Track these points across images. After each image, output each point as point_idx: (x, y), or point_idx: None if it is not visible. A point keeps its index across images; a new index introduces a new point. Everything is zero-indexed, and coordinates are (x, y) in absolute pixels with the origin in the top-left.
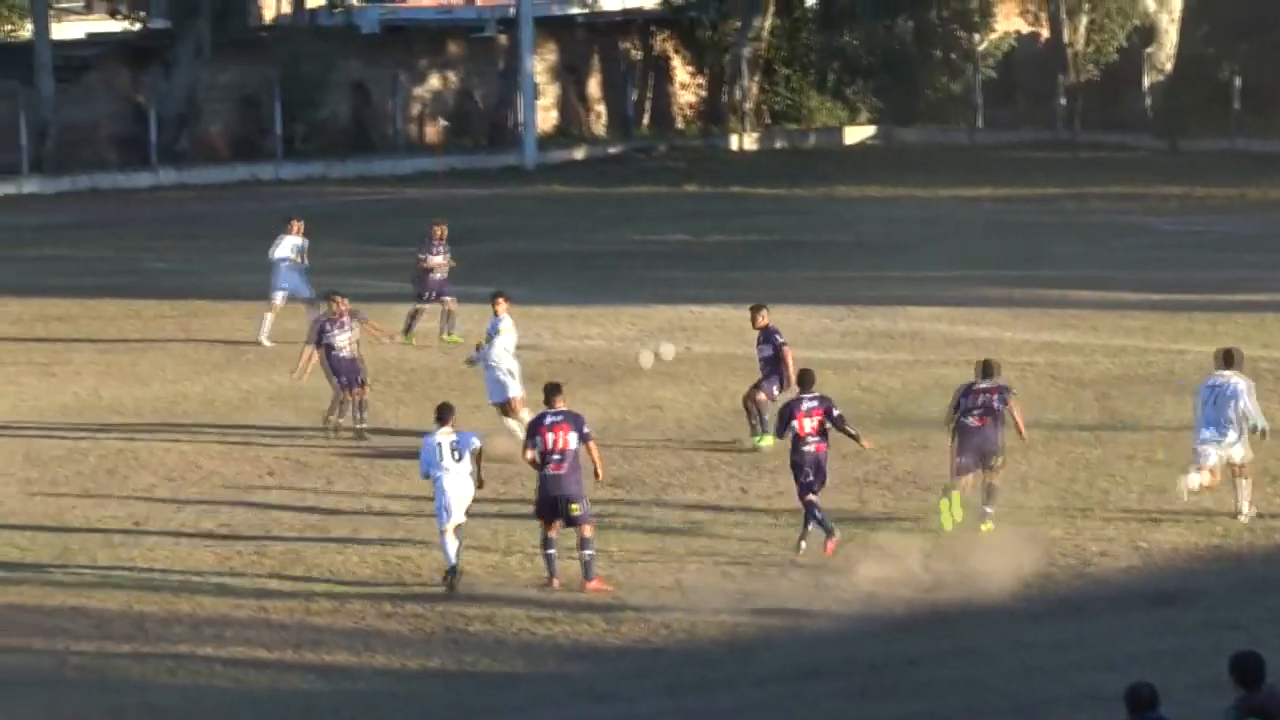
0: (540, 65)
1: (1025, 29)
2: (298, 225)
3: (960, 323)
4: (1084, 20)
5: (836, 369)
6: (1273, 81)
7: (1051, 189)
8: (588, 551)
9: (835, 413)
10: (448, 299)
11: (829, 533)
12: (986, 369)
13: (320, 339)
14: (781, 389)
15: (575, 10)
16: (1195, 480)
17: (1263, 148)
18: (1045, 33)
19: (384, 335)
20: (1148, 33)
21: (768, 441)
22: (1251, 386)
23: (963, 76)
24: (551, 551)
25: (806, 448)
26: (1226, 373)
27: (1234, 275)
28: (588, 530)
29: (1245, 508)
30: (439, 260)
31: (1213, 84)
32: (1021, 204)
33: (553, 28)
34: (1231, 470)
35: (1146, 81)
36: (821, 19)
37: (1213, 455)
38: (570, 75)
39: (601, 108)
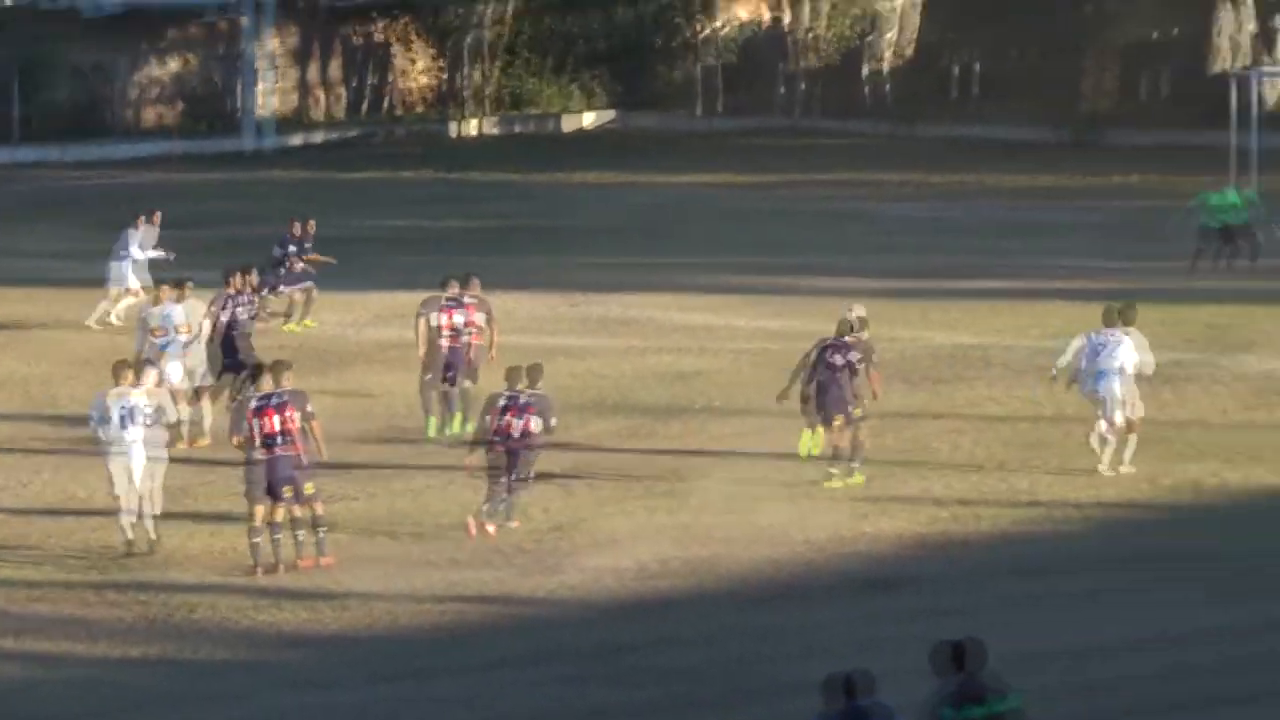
0: (279, 48)
1: (758, 15)
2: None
3: (691, 310)
4: (823, 6)
5: (568, 355)
6: (1005, 68)
7: (785, 175)
8: (321, 530)
9: (553, 422)
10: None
11: (508, 516)
12: (848, 327)
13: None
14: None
15: None
16: (1110, 435)
17: (994, 134)
18: (785, 18)
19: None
20: (880, 19)
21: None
22: (1143, 341)
23: (698, 63)
24: (258, 540)
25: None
26: (1118, 329)
27: (966, 261)
28: (319, 508)
29: (1127, 464)
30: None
31: (943, 71)
32: (755, 190)
33: (292, 11)
34: (1126, 424)
35: (882, 68)
36: (559, 4)
37: (1113, 409)
38: (308, 59)
39: (341, 91)
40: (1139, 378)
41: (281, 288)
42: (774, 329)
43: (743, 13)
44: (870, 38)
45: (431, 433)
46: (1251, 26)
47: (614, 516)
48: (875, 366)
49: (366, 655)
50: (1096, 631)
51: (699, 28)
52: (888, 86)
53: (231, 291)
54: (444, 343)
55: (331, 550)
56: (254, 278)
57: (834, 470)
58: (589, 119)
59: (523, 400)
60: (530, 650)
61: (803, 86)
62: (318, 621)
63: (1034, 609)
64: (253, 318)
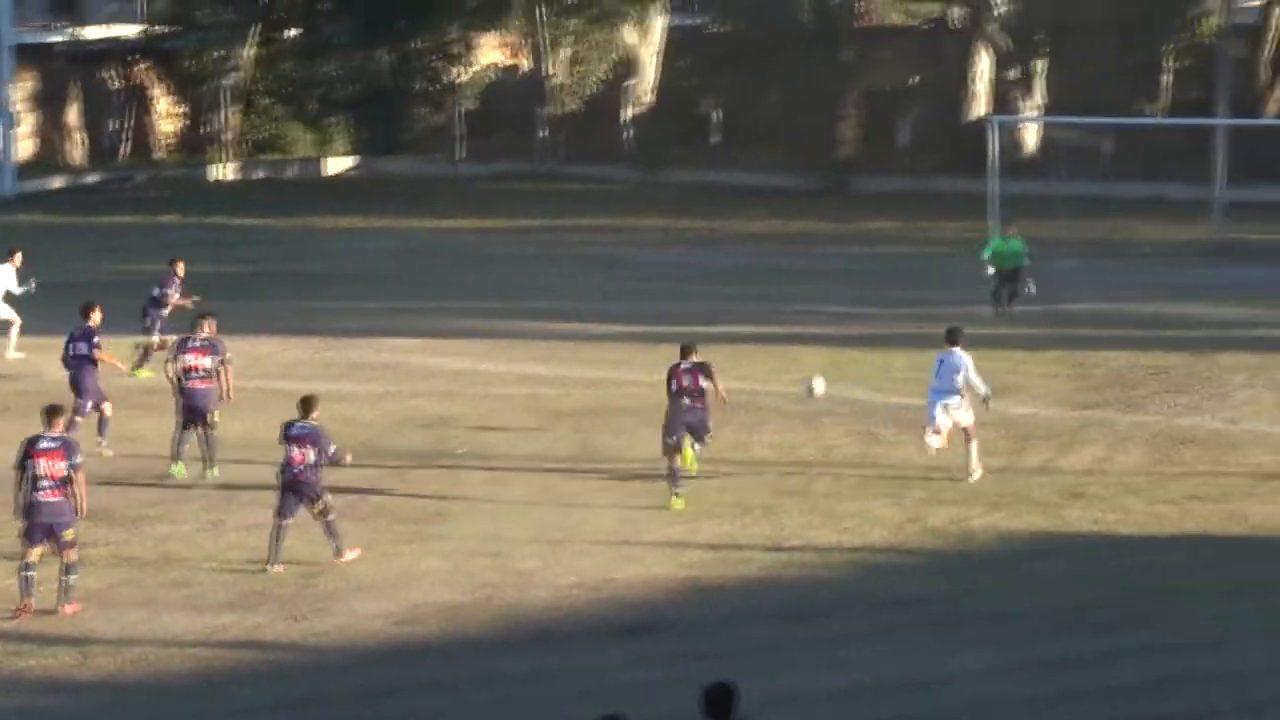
0: (19, 94)
1: (507, 61)
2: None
3: (439, 354)
4: (566, 52)
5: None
6: (750, 115)
7: (532, 221)
8: (73, 576)
9: (332, 449)
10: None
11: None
12: (685, 350)
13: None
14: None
15: (55, 38)
16: (934, 440)
17: (745, 180)
18: (527, 65)
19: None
20: (629, 65)
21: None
22: (971, 362)
23: (443, 108)
24: (31, 574)
25: (292, 470)
26: (954, 348)
27: (712, 307)
28: (73, 555)
29: (975, 468)
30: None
31: (692, 117)
32: (502, 235)
33: (32, 56)
34: (964, 434)
35: (627, 114)
36: (303, 49)
37: (940, 417)
38: (50, 104)
39: (82, 136)
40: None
41: (155, 333)
42: (526, 374)
43: (499, 57)
44: (629, 83)
45: (176, 475)
46: (1014, 73)
47: (376, 560)
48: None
49: (125, 701)
50: (851, 675)
51: (456, 72)
52: (629, 133)
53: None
54: (188, 384)
55: (80, 597)
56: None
57: (679, 491)
58: (339, 164)
59: (294, 431)
60: (290, 695)
61: (544, 133)
62: (81, 667)
63: (792, 653)
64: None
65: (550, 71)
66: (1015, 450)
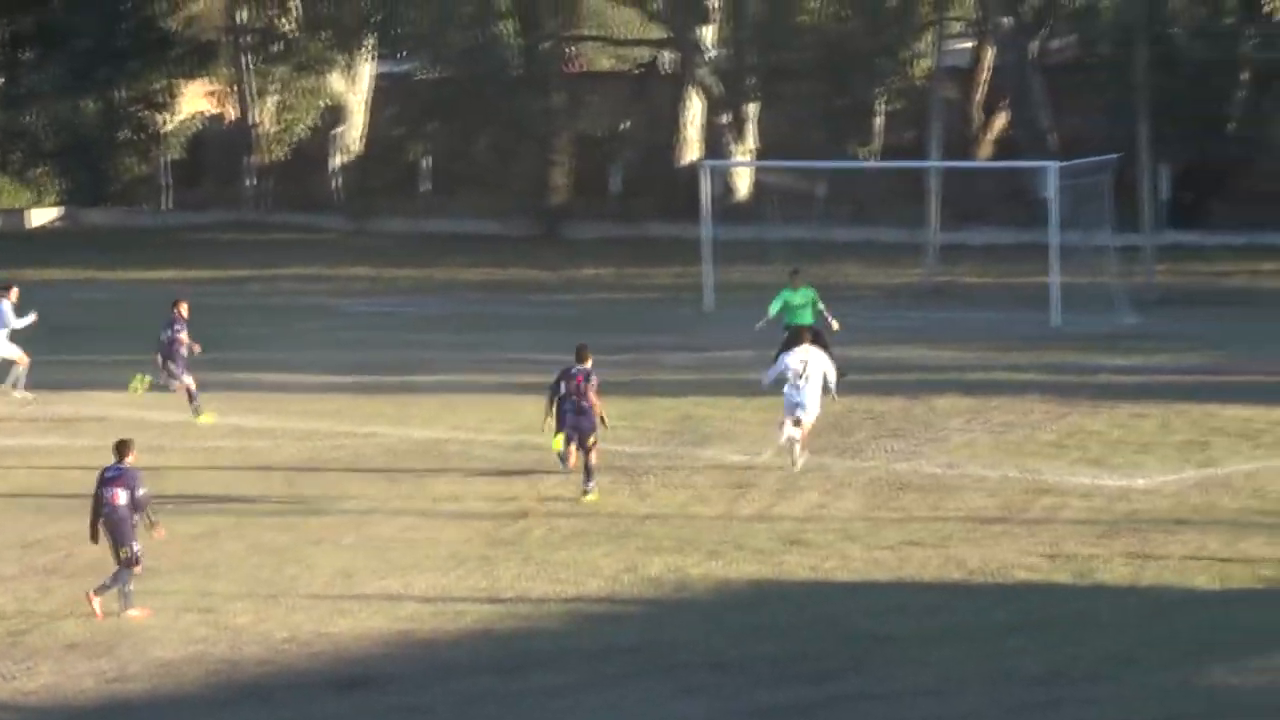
0: None
1: (213, 109)
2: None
3: (148, 407)
4: (272, 100)
5: (21, 455)
6: (460, 162)
7: (240, 270)
8: None
9: (140, 492)
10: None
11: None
12: (579, 352)
13: None
14: None
15: None
16: (794, 431)
17: (449, 228)
18: (233, 113)
19: None
20: (336, 113)
21: None
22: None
23: (149, 157)
24: None
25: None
26: (813, 345)
27: (423, 356)
28: None
29: (799, 459)
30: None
31: (402, 164)
32: (210, 285)
33: None
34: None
35: (335, 162)
36: (6, 99)
37: (794, 410)
38: None
39: None
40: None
41: (183, 376)
42: (237, 426)
43: (205, 106)
44: (338, 130)
45: None
46: (726, 117)
47: (86, 617)
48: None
49: None
50: None
51: (161, 121)
52: (338, 182)
53: None
54: None
55: None
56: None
57: (589, 485)
58: (44, 215)
59: (108, 473)
60: None
61: (251, 182)
62: None
63: (508, 705)
64: None
65: (257, 120)
66: (732, 498)
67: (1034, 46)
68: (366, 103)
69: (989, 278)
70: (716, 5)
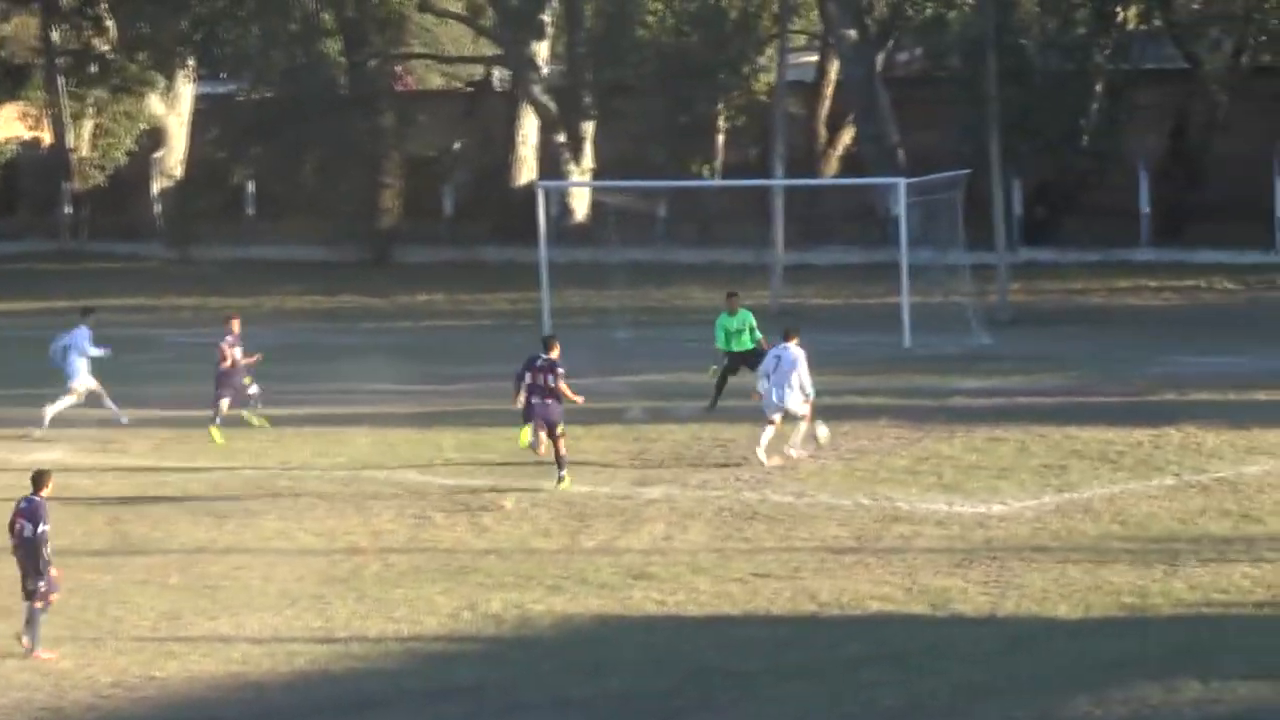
0: None
1: (28, 134)
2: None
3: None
4: (89, 124)
5: None
6: (286, 186)
7: (58, 301)
8: None
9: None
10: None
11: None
12: (547, 343)
13: None
14: None
15: None
16: (770, 430)
17: (275, 254)
18: (49, 138)
19: None
20: (156, 136)
21: None
22: (804, 356)
23: None
24: None
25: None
26: (788, 344)
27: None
28: None
29: (795, 448)
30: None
31: (225, 189)
32: (26, 318)
33: None
34: (795, 419)
35: (156, 187)
36: None
37: (773, 407)
38: None
39: None
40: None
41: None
42: (57, 462)
43: (20, 130)
44: (158, 155)
45: None
46: (562, 136)
47: None
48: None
49: None
50: None
51: None
52: (159, 208)
53: None
54: None
55: None
56: None
57: (560, 473)
58: None
59: (21, 505)
60: None
61: (68, 209)
62: None
63: None
64: None
65: (74, 144)
66: (574, 530)
67: (880, 59)
68: (187, 125)
69: (837, 299)
70: (550, 20)
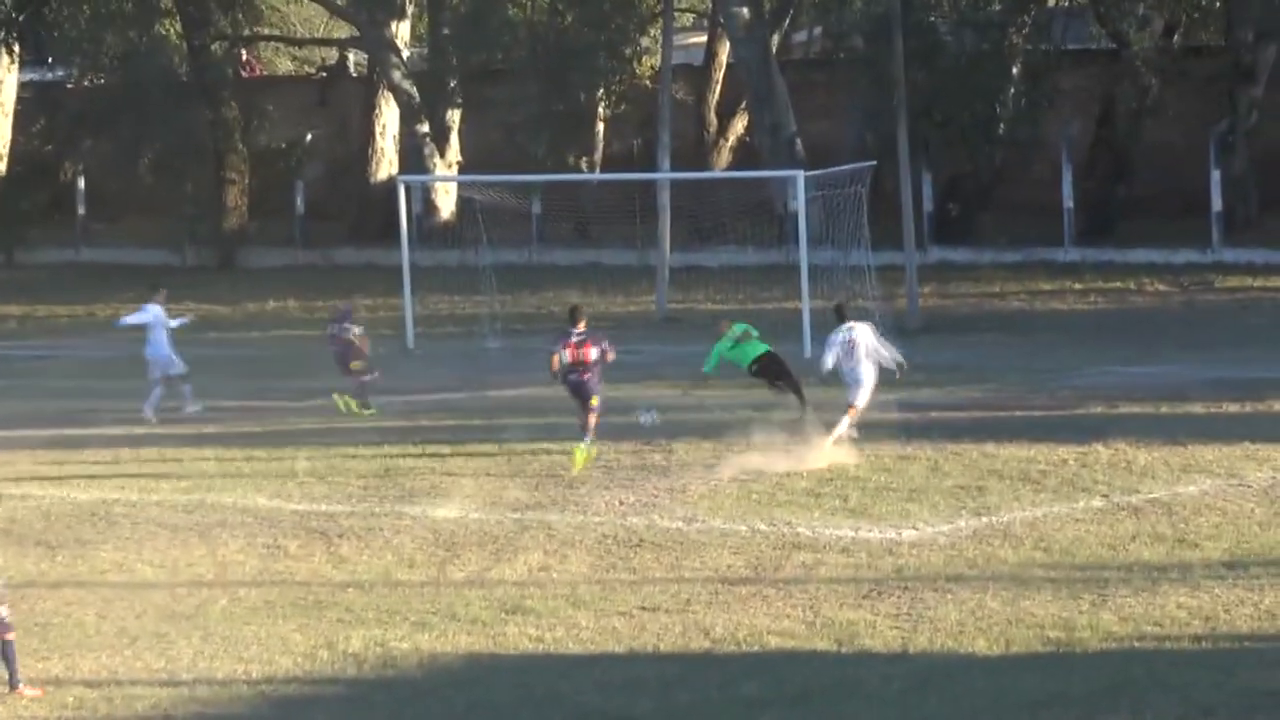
0: None
1: None
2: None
3: None
4: None
5: None
6: (118, 184)
7: None
8: None
9: None
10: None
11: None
12: (573, 314)
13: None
14: None
15: None
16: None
17: (110, 258)
18: None
19: None
20: None
21: None
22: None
23: None
24: None
25: None
26: (852, 324)
27: (85, 405)
28: None
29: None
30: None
31: (53, 186)
32: None
33: None
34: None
35: None
36: None
37: (863, 392)
38: None
39: None
40: None
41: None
42: None
43: None
44: None
45: None
46: (425, 126)
47: None
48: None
49: None
50: None
51: None
52: None
53: None
54: None
55: None
56: None
57: (586, 439)
58: None
59: None
60: None
61: None
62: None
63: None
64: None
65: None
66: (442, 560)
67: (776, 40)
68: (10, 116)
69: (731, 304)
70: None
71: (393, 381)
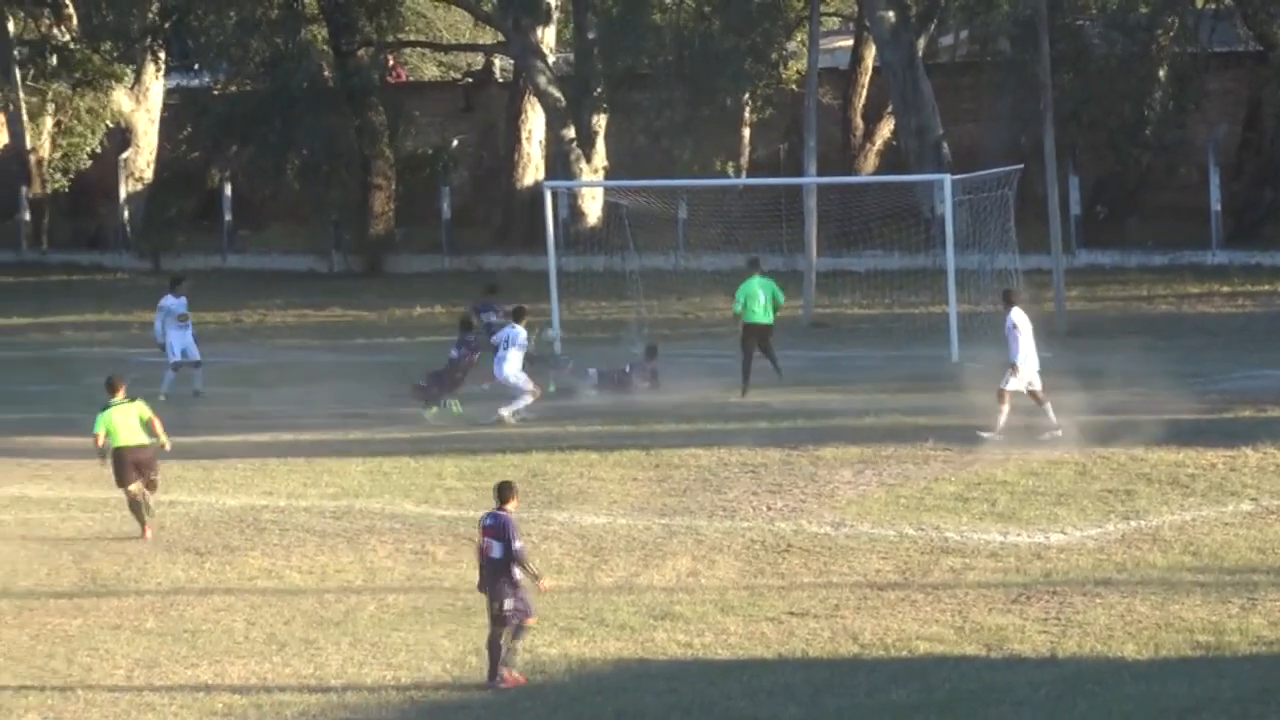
0: None
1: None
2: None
3: None
4: (49, 121)
5: None
6: (265, 191)
7: (18, 318)
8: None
9: None
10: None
11: None
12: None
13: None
14: None
15: None
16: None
17: (257, 264)
18: (4, 138)
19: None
20: (124, 135)
21: None
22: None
23: None
24: None
25: None
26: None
27: (231, 411)
28: None
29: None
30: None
31: (200, 193)
32: None
33: None
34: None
35: (124, 191)
36: None
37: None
38: None
39: None
40: None
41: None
42: (18, 496)
43: None
44: (126, 155)
45: None
46: (571, 131)
47: None
48: None
49: None
50: None
51: None
52: (127, 214)
53: None
54: None
55: None
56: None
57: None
58: None
59: (486, 521)
60: None
61: (26, 216)
62: None
63: None
64: None
65: (33, 145)
66: (590, 566)
67: (922, 44)
68: (158, 123)
69: (877, 308)
70: (557, 3)
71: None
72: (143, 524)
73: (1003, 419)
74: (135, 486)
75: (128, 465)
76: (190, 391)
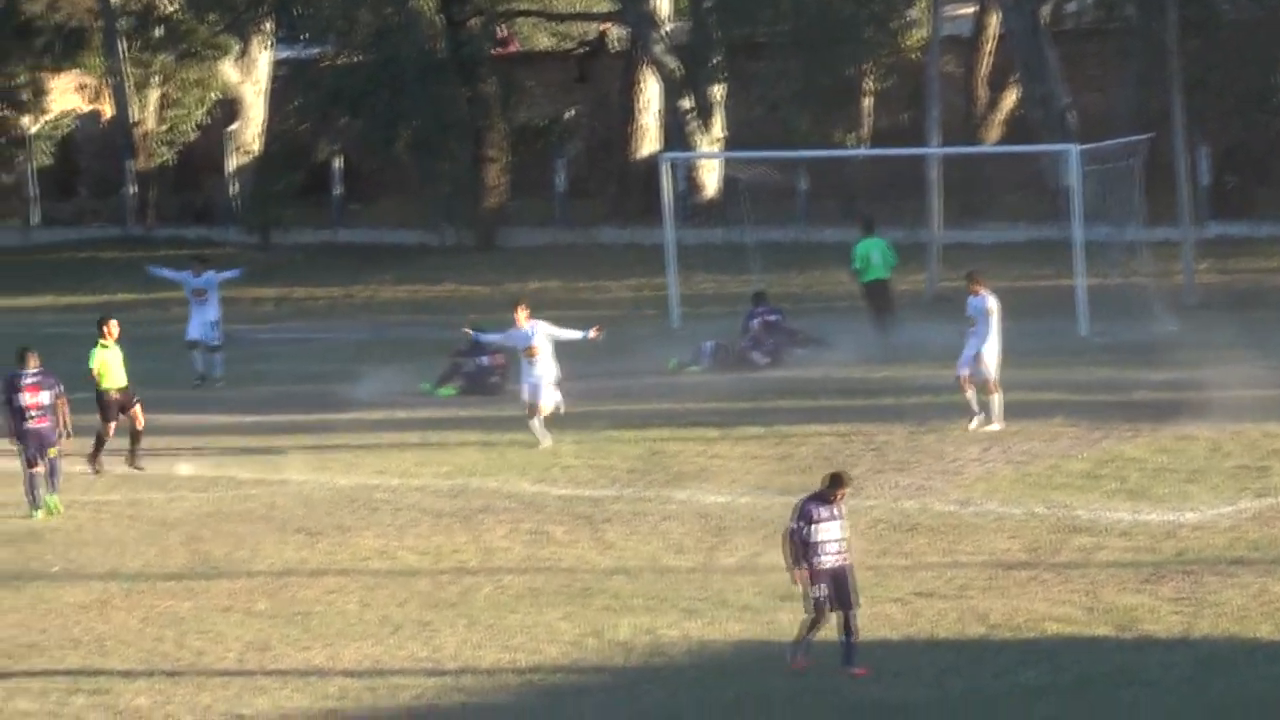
0: None
1: (86, 106)
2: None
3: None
4: (155, 94)
5: None
6: (378, 162)
7: (124, 295)
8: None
9: None
10: None
11: None
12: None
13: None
14: None
15: None
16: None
17: (370, 238)
18: (110, 110)
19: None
20: (231, 107)
21: None
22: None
23: (13, 166)
24: None
25: None
26: (981, 291)
27: (340, 389)
28: None
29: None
30: None
31: (310, 166)
32: (89, 313)
33: None
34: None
35: (231, 165)
36: None
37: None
38: None
39: None
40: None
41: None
42: (125, 476)
43: (77, 103)
44: (232, 128)
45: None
46: (688, 102)
47: None
48: None
49: None
50: None
51: (26, 123)
52: (234, 187)
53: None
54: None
55: None
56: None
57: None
58: None
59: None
60: None
61: (133, 190)
62: None
63: None
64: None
65: (138, 117)
66: (711, 546)
67: (1047, 10)
68: (265, 95)
69: (1002, 281)
70: None
71: (656, 363)
72: (96, 459)
73: (998, 406)
74: (114, 428)
75: (112, 405)
76: (196, 375)
